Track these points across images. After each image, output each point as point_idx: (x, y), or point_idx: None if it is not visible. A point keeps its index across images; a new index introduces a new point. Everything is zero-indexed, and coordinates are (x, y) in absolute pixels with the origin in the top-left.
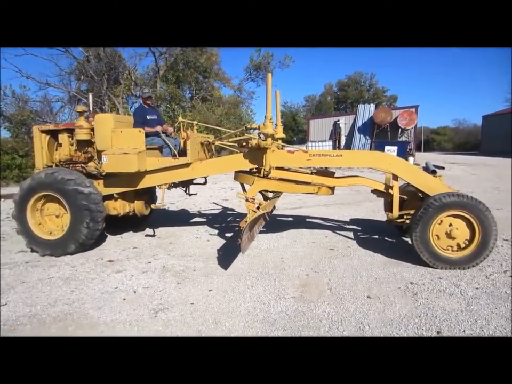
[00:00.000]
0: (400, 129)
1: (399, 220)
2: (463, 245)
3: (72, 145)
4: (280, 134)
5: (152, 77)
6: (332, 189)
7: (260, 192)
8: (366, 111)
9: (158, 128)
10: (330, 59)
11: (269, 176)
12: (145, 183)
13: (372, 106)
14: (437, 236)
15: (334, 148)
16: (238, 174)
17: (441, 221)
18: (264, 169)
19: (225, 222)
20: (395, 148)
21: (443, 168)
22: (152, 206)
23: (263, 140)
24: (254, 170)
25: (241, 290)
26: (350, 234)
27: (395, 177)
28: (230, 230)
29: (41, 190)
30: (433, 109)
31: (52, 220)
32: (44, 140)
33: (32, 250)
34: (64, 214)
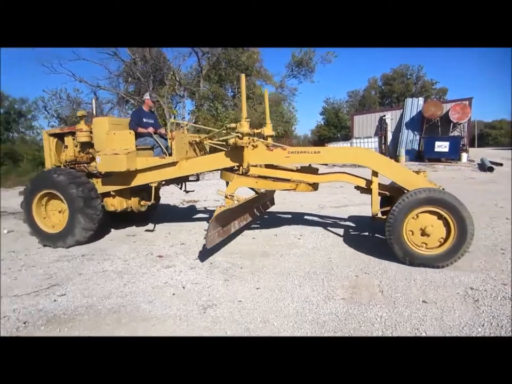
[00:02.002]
0: (452, 124)
1: (383, 217)
2: (438, 243)
3: (76, 146)
4: (269, 131)
5: (195, 77)
6: (313, 185)
7: (251, 188)
8: (414, 105)
9: (150, 129)
10: (374, 52)
11: (248, 174)
12: (137, 181)
13: (421, 100)
14: (411, 232)
15: (380, 144)
16: (222, 172)
17: (417, 217)
18: (242, 166)
19: (270, 219)
20: (447, 144)
21: (501, 164)
22: (142, 203)
23: (239, 139)
24: (236, 168)
25: (289, 290)
26: None
27: (375, 173)
28: (275, 227)
29: (42, 189)
30: (488, 101)
31: (56, 215)
32: (52, 142)
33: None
34: (66, 209)
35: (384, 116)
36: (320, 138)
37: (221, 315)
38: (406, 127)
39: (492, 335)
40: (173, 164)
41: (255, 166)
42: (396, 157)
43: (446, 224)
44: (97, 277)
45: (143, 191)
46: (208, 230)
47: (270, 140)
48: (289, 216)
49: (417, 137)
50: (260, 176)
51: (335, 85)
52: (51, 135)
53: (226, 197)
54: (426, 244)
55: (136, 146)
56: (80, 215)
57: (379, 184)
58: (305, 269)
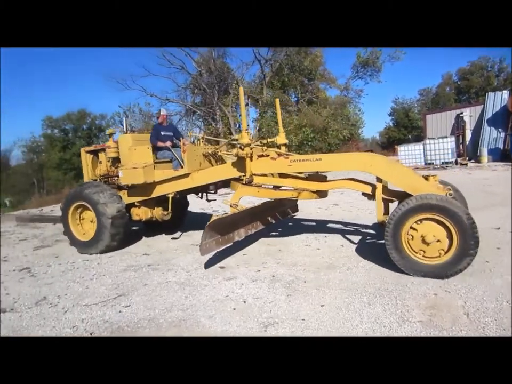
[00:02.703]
0: None
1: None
2: (439, 252)
3: (108, 162)
4: (282, 140)
5: (258, 84)
6: (318, 193)
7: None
8: (497, 100)
9: (167, 143)
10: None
11: (251, 183)
12: (156, 193)
13: (505, 93)
14: (411, 239)
15: (458, 144)
16: (231, 182)
17: (417, 224)
18: (245, 176)
19: (336, 229)
20: None
21: None
22: (164, 212)
23: (241, 150)
24: (241, 178)
25: (357, 308)
26: (485, 245)
27: (378, 179)
28: (342, 238)
29: (76, 201)
30: None
31: (88, 225)
32: (88, 158)
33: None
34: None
35: (462, 113)
36: (389, 140)
37: (282, 334)
38: (488, 124)
39: None
40: (186, 175)
41: (265, 175)
42: (476, 157)
43: (448, 233)
44: (160, 288)
45: (166, 202)
46: (202, 238)
47: (283, 149)
48: (358, 226)
49: (502, 134)
50: (262, 185)
51: (404, 84)
52: (87, 152)
53: (231, 206)
54: (424, 252)
55: (157, 159)
56: (106, 229)
57: (387, 189)
58: (375, 284)
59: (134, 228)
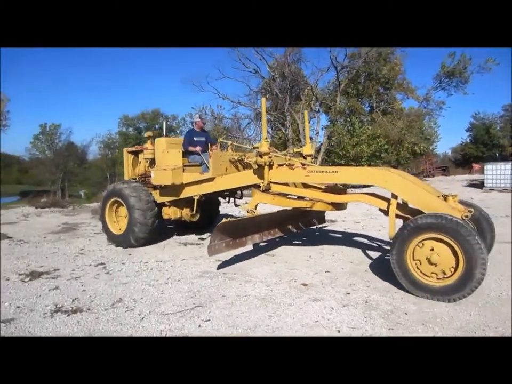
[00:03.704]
0: None
1: None
2: (446, 273)
3: (146, 162)
4: (309, 151)
5: (333, 91)
6: (333, 205)
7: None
8: None
9: (197, 148)
10: None
11: (269, 191)
12: (184, 194)
13: None
14: (418, 260)
15: None
16: (252, 188)
17: (423, 244)
18: (263, 184)
19: None
20: None
21: None
22: (190, 213)
23: (260, 158)
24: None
25: None
26: None
27: (394, 195)
28: None
29: (112, 197)
30: None
31: (123, 220)
32: (129, 158)
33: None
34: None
35: None
36: (465, 157)
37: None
38: None
39: None
40: (211, 179)
41: (286, 184)
42: None
43: (454, 253)
44: (240, 302)
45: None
46: (211, 239)
47: (309, 159)
48: None
49: None
50: (279, 193)
51: (485, 97)
52: (129, 152)
53: (247, 211)
54: (436, 274)
55: (189, 162)
56: (135, 226)
57: (405, 207)
58: (494, 326)
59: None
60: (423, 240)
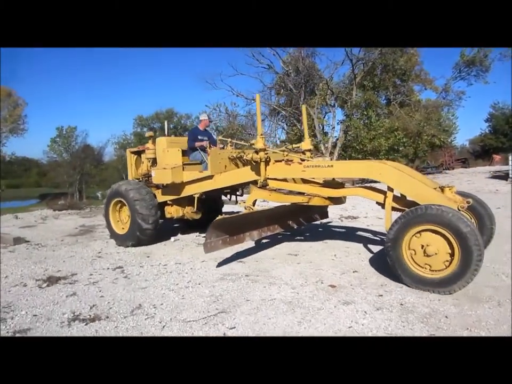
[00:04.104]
0: None
1: None
2: (441, 265)
3: (149, 162)
4: (307, 146)
5: (348, 85)
6: (331, 199)
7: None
8: None
9: (204, 143)
10: None
11: (266, 187)
12: (185, 192)
13: None
14: (414, 251)
15: None
16: (250, 185)
17: (419, 236)
18: (259, 180)
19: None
20: None
21: None
22: (192, 211)
23: (256, 154)
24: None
25: None
26: None
27: (390, 188)
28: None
29: (115, 197)
30: None
31: (126, 220)
32: (132, 158)
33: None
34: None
35: None
36: (484, 149)
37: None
38: None
39: None
40: (210, 177)
41: (285, 180)
42: None
43: (450, 245)
44: (265, 306)
45: (197, 202)
46: (207, 236)
47: (308, 154)
48: None
49: None
50: (276, 189)
51: (505, 86)
52: (132, 152)
53: (245, 208)
54: (430, 266)
55: (190, 161)
56: (137, 226)
57: (402, 199)
58: None
59: None
60: (418, 232)
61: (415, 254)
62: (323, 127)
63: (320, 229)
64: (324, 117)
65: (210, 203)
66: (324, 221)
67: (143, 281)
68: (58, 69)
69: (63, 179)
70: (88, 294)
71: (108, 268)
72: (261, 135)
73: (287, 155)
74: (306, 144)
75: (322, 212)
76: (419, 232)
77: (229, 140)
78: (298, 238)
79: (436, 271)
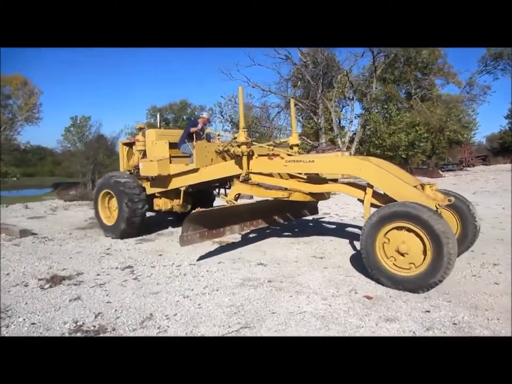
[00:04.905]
0: None
1: None
2: (414, 263)
3: (140, 154)
4: (295, 141)
5: (368, 78)
6: (312, 195)
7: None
8: None
9: (199, 125)
10: None
11: (248, 181)
12: (172, 185)
13: None
14: (387, 245)
15: None
16: (233, 179)
17: (393, 233)
18: (241, 174)
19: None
20: None
21: None
22: (174, 206)
23: (238, 147)
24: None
25: None
26: None
27: (370, 185)
28: None
29: (104, 188)
30: None
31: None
32: (124, 150)
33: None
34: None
35: None
36: (504, 146)
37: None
38: None
39: None
40: (195, 170)
41: (270, 174)
42: None
43: (423, 243)
44: (295, 321)
45: (186, 195)
46: (182, 229)
47: (295, 149)
48: None
49: None
50: (258, 184)
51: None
52: (124, 144)
53: (227, 202)
54: (403, 264)
55: (182, 153)
56: (124, 216)
57: (383, 195)
58: None
59: (253, 232)
60: (392, 229)
61: (389, 252)
62: (339, 121)
63: (343, 228)
64: (341, 111)
65: (202, 196)
66: (348, 219)
67: (154, 284)
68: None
69: (77, 169)
70: (94, 298)
71: (117, 267)
72: (243, 128)
73: (272, 149)
74: (294, 138)
75: (311, 207)
76: (393, 229)
77: (217, 132)
78: (317, 237)
79: (408, 269)
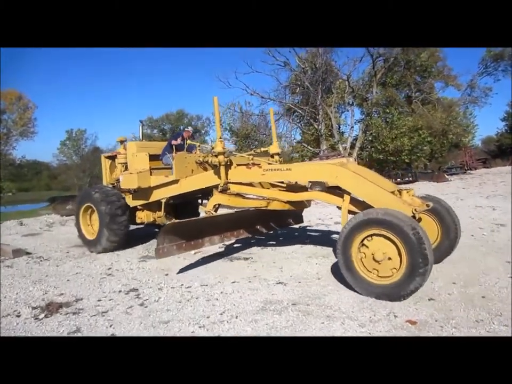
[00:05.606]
0: None
1: None
2: (390, 271)
3: (122, 167)
4: (275, 149)
5: (368, 82)
6: (291, 203)
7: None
8: None
9: (173, 142)
10: None
11: (227, 191)
12: (153, 197)
13: None
14: (364, 254)
15: None
16: (213, 189)
17: (369, 240)
18: (219, 184)
19: None
20: None
21: None
22: (157, 218)
23: (215, 157)
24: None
25: None
26: None
27: (347, 191)
28: None
29: (85, 202)
30: None
31: (96, 225)
32: (107, 163)
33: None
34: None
35: None
36: (501, 148)
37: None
38: None
39: None
40: (175, 181)
41: (250, 184)
42: None
43: (398, 250)
44: None
45: (168, 206)
46: (158, 242)
47: (276, 158)
48: None
49: None
50: (237, 194)
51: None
52: (106, 157)
53: (206, 212)
54: (378, 272)
55: (164, 165)
56: (106, 228)
57: (362, 202)
58: None
59: (263, 245)
60: (368, 236)
61: (365, 259)
62: (339, 127)
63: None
64: (340, 116)
65: (188, 208)
66: None
67: (164, 311)
68: (65, 71)
69: (73, 182)
70: (96, 330)
71: (120, 291)
72: (220, 138)
73: (252, 159)
74: (274, 147)
75: (296, 216)
76: (369, 236)
77: (198, 143)
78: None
79: (384, 277)
